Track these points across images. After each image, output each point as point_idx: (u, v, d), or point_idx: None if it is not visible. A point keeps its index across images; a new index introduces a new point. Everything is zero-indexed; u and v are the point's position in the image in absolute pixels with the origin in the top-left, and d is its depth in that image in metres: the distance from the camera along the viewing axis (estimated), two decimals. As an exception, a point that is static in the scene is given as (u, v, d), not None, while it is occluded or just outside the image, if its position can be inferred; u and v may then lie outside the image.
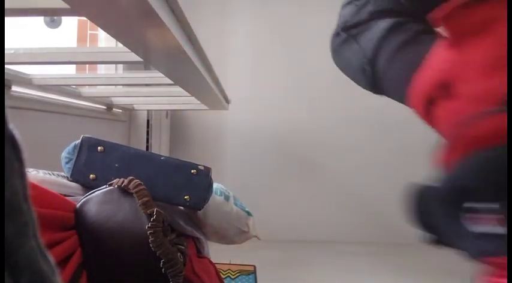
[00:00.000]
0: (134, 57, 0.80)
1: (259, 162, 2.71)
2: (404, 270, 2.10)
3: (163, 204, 0.75)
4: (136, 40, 0.64)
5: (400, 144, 2.65)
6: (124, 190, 0.70)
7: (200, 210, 0.85)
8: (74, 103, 1.51)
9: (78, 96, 1.53)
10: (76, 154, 0.77)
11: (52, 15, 1.53)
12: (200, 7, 2.59)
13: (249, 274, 1.91)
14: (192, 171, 0.80)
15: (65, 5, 0.46)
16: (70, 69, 1.86)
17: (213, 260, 0.87)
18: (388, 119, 2.64)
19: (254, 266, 1.98)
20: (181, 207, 0.84)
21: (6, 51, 0.88)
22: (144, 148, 2.12)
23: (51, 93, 1.34)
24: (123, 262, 0.66)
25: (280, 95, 2.71)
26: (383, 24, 0.53)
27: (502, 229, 0.34)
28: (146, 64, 1.58)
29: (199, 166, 0.81)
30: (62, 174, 0.78)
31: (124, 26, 0.56)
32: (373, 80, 0.55)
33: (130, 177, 0.71)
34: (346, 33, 0.57)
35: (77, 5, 0.48)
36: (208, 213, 0.89)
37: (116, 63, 1.79)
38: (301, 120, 2.71)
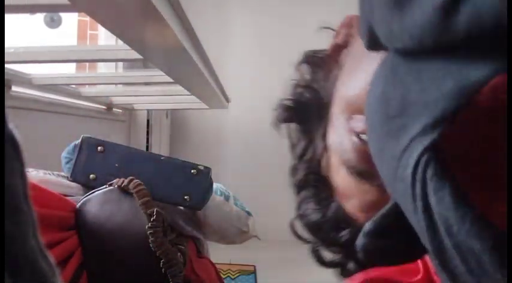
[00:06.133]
0: (134, 55, 0.79)
1: (259, 162, 2.70)
2: (404, 270, 2.10)
3: (163, 204, 0.75)
4: (136, 37, 0.63)
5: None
6: (124, 190, 0.70)
7: (200, 210, 0.85)
8: (74, 103, 1.51)
9: (78, 95, 1.52)
10: (76, 154, 0.76)
11: (51, 11, 1.52)
12: (197, 0, 2.56)
13: (249, 274, 1.91)
14: (192, 171, 0.80)
15: (65, 1, 0.46)
16: (70, 69, 1.85)
17: (213, 260, 0.87)
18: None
19: (254, 266, 1.98)
20: (181, 207, 0.84)
21: (6, 50, 0.88)
22: (144, 148, 2.12)
23: (51, 93, 1.34)
24: (123, 262, 0.66)
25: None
26: None
27: None
28: (146, 62, 1.58)
29: (199, 166, 0.81)
30: (62, 174, 0.78)
31: (124, 22, 0.55)
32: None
33: (131, 177, 0.71)
34: None
35: (77, 0, 0.48)
36: (208, 213, 0.89)
37: (116, 61, 1.79)
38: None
